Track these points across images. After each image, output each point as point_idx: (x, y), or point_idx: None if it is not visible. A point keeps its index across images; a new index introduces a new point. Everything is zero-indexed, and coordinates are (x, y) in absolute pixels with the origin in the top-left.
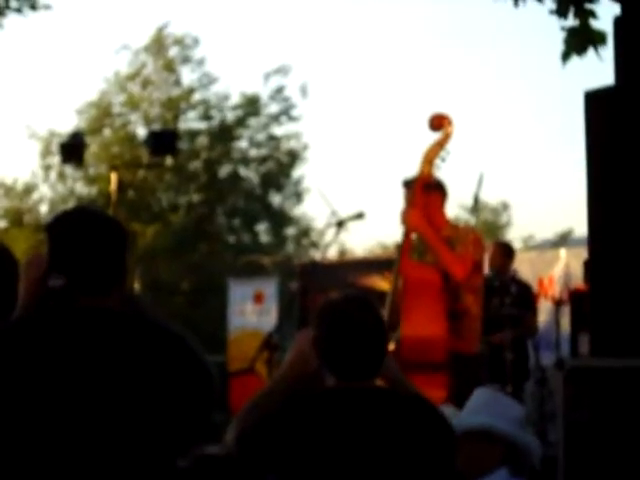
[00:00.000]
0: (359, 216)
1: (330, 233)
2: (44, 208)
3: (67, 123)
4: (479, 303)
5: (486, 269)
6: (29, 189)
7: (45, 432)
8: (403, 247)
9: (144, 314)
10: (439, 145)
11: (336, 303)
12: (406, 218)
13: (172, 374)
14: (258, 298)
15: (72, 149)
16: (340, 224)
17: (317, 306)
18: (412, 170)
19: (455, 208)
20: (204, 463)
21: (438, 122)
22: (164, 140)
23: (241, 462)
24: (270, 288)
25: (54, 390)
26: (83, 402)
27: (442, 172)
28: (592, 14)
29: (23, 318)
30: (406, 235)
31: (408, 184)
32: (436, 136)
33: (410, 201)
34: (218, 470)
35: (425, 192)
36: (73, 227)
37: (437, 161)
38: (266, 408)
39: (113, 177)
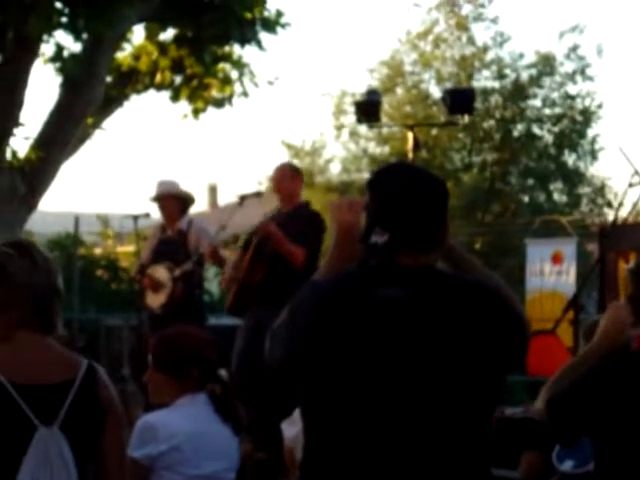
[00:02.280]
0: None
1: (632, 192)
2: (335, 168)
3: (358, 83)
4: None
5: None
6: (318, 149)
7: (376, 389)
8: None
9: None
10: None
11: None
12: None
13: (491, 330)
14: (556, 258)
15: (368, 107)
16: None
17: (630, 265)
18: None
19: None
20: (506, 424)
21: None
22: (462, 99)
23: (553, 426)
24: (569, 248)
25: (381, 348)
26: (410, 360)
27: None
28: None
29: (347, 273)
30: None
31: None
32: None
33: None
34: (523, 432)
35: None
36: (398, 182)
37: None
38: (578, 373)
39: (409, 136)
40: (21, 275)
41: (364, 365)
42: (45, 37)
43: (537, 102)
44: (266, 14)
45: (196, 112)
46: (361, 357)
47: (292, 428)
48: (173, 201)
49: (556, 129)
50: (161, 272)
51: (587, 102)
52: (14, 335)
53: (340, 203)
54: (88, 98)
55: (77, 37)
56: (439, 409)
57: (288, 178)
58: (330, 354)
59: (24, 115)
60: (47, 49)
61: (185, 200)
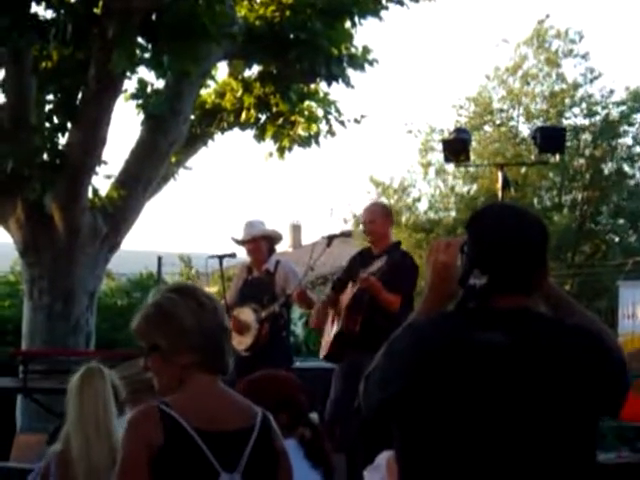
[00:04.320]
0: None
1: None
2: (422, 206)
3: (446, 120)
4: None
5: None
6: (405, 187)
7: (478, 436)
8: None
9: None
10: None
11: None
12: None
13: (593, 376)
14: None
15: (456, 145)
16: None
17: None
18: None
19: None
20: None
21: None
22: (552, 137)
23: None
24: None
25: (482, 395)
26: (512, 407)
27: None
28: None
29: (444, 316)
30: None
31: None
32: None
33: None
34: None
35: None
36: (498, 224)
37: None
38: None
39: (499, 175)
40: (188, 318)
41: (465, 412)
42: (128, 73)
43: (628, 140)
44: (353, 50)
45: (281, 151)
46: (460, 403)
47: (375, 475)
48: (261, 242)
49: None
50: (247, 314)
51: None
52: (190, 379)
53: (437, 244)
54: (171, 136)
55: (161, 74)
56: (543, 456)
57: (380, 219)
58: (429, 400)
59: (106, 153)
60: (129, 86)
61: (273, 239)
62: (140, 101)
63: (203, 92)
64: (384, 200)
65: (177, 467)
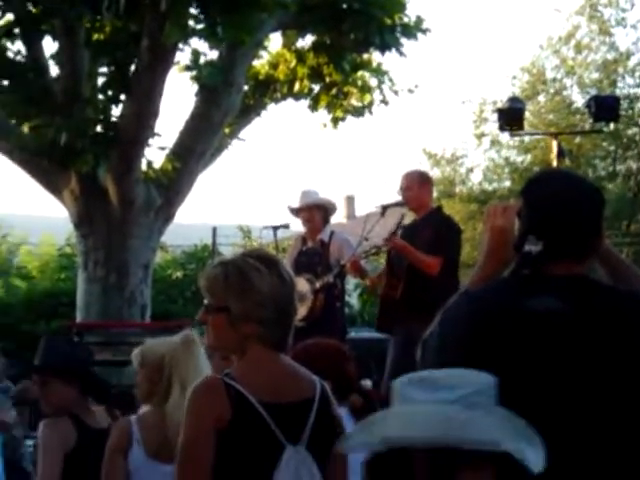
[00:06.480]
0: None
1: None
2: (476, 177)
3: (499, 90)
4: None
5: None
6: (458, 157)
7: (538, 404)
8: None
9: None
10: None
11: None
12: None
13: None
14: None
15: (511, 114)
16: None
17: None
18: None
19: None
20: None
21: None
22: (607, 106)
23: None
24: None
25: (539, 362)
26: (569, 375)
27: None
28: None
29: (499, 282)
30: None
31: None
32: None
33: None
34: None
35: None
36: (553, 190)
37: None
38: None
39: (553, 144)
40: (268, 291)
41: (521, 379)
42: (180, 45)
43: None
44: (406, 20)
45: (335, 121)
46: (517, 371)
47: None
48: (317, 211)
49: None
50: (302, 284)
51: None
52: (252, 350)
53: (494, 208)
54: (225, 107)
55: (215, 44)
56: (603, 425)
57: (416, 185)
58: (486, 368)
59: (160, 125)
60: (182, 57)
61: (327, 210)
62: (194, 72)
63: (256, 63)
64: (436, 171)
65: (244, 441)
